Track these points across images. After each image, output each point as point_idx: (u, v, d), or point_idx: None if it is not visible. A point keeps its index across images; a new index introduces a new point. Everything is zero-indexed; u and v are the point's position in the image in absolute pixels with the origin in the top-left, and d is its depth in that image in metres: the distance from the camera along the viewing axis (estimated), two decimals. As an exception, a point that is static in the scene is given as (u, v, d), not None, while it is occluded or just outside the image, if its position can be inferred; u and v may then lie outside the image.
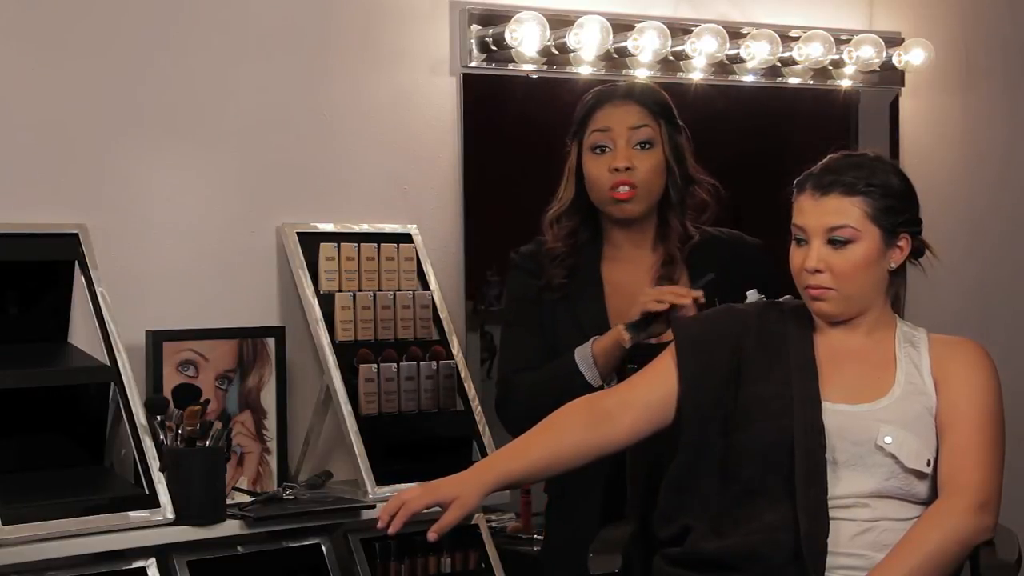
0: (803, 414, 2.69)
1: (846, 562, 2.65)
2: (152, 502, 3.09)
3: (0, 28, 3.24)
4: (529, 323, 3.27)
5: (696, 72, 4.13)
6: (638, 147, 3.22)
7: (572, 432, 2.77)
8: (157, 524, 3.08)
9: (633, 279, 3.23)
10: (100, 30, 3.36)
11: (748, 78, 4.25)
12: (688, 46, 4.06)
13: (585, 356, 3.11)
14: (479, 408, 3.56)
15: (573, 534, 3.16)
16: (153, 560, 3.12)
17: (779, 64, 4.28)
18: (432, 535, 2.65)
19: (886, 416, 2.69)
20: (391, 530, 2.65)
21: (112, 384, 3.16)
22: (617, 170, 3.18)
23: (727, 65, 4.20)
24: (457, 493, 2.66)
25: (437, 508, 2.69)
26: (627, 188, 3.18)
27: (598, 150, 3.22)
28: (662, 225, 3.26)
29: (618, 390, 2.84)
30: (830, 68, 4.39)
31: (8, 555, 2.90)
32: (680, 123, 3.31)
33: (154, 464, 3.11)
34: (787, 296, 2.89)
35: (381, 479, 3.37)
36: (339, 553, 3.42)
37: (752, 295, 2.98)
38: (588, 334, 3.16)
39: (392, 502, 2.67)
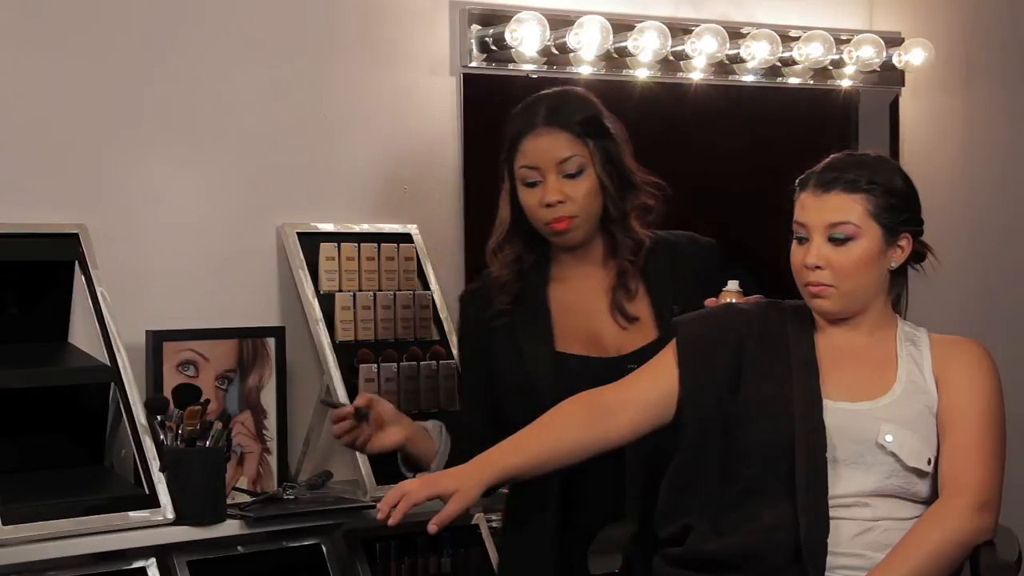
0: (804, 413, 2.69)
1: (846, 562, 2.65)
2: (152, 502, 3.09)
3: (1, 29, 3.24)
4: (475, 382, 3.13)
5: (696, 72, 4.14)
6: (568, 177, 3.01)
7: (572, 428, 2.77)
8: (157, 524, 3.09)
9: (582, 297, 3.11)
10: (100, 30, 3.36)
11: (748, 78, 4.26)
12: (688, 46, 4.06)
13: None
14: (479, 408, 3.56)
15: (527, 552, 3.07)
16: (153, 560, 3.12)
17: (779, 64, 4.28)
18: (432, 527, 2.66)
19: (887, 414, 2.69)
20: (391, 521, 2.65)
21: (112, 384, 3.16)
22: (550, 205, 3.00)
23: (727, 65, 4.20)
24: (457, 486, 2.67)
25: (437, 501, 2.69)
26: (564, 221, 3.01)
27: (528, 184, 3.03)
28: (609, 240, 3.08)
29: (619, 386, 2.84)
30: (830, 68, 4.39)
31: (8, 555, 2.90)
32: (610, 126, 3.08)
33: (154, 464, 3.12)
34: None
35: (381, 479, 3.37)
36: (339, 553, 3.42)
37: (732, 285, 3.00)
38: (527, 365, 3.03)
39: (392, 493, 2.67)
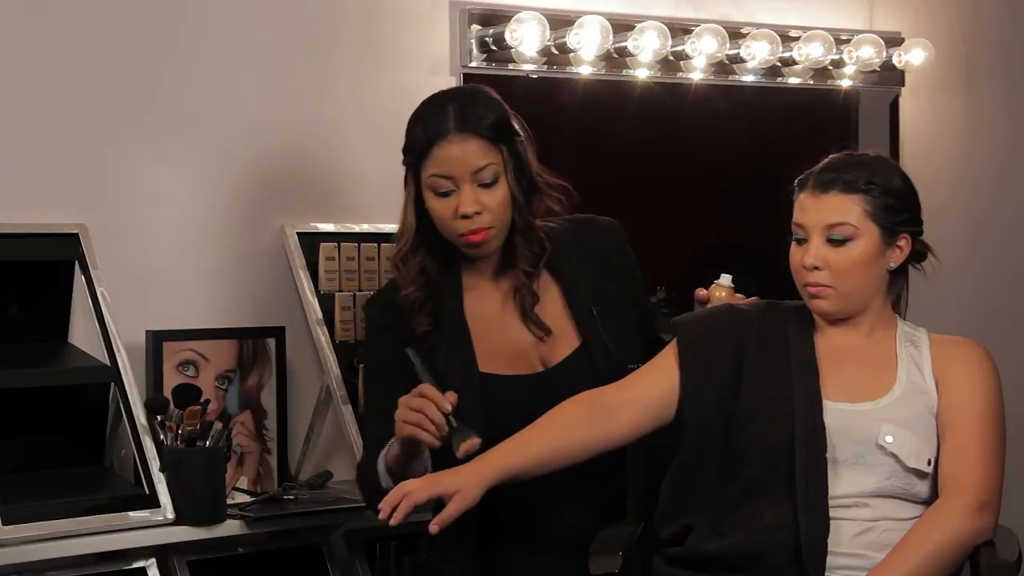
0: (804, 413, 2.69)
1: (846, 562, 2.65)
2: (152, 502, 3.09)
3: (1, 29, 3.24)
4: (387, 399, 2.81)
5: (696, 72, 4.14)
6: (483, 186, 2.84)
7: (573, 428, 2.77)
8: (157, 524, 3.09)
9: (497, 308, 2.95)
10: (100, 30, 3.36)
11: (748, 78, 4.25)
12: (688, 46, 4.06)
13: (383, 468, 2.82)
14: (479, 408, 3.55)
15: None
16: (153, 560, 3.12)
17: (779, 64, 4.28)
18: (434, 527, 2.64)
19: (887, 415, 2.69)
20: (393, 521, 2.63)
21: (112, 384, 3.16)
22: (467, 216, 2.83)
23: (727, 65, 4.20)
24: (459, 486, 2.65)
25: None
26: (480, 233, 2.85)
27: (441, 193, 2.85)
28: (508, 248, 2.92)
29: (620, 386, 2.83)
30: (830, 68, 4.39)
31: (8, 555, 2.90)
32: (517, 127, 2.91)
33: (154, 464, 3.12)
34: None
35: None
36: (339, 553, 3.42)
37: (725, 279, 2.99)
38: (454, 387, 2.77)
39: (394, 493, 2.65)
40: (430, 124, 2.87)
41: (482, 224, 2.85)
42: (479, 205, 2.84)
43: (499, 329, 2.94)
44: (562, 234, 2.97)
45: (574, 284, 2.97)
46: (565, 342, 2.94)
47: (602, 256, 3.00)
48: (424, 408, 2.69)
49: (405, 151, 2.91)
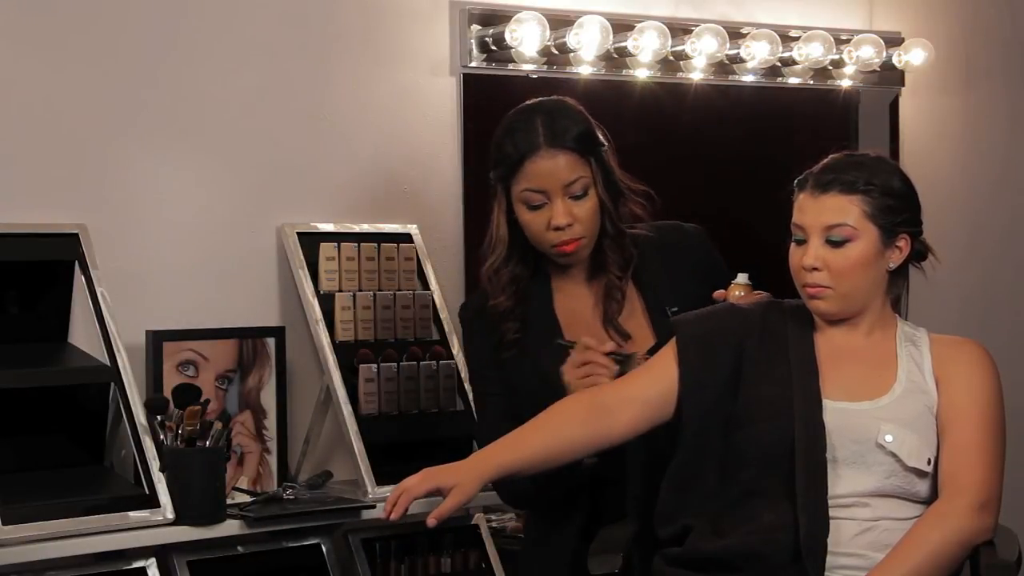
0: (804, 413, 2.69)
1: (846, 562, 2.65)
2: (152, 502, 3.09)
3: (1, 29, 3.24)
4: (499, 394, 3.05)
5: (696, 72, 4.14)
6: (574, 199, 2.96)
7: (570, 426, 2.78)
8: (157, 524, 3.09)
9: (585, 306, 3.07)
10: (101, 31, 3.36)
11: (748, 78, 4.26)
12: (688, 46, 4.06)
13: None
14: (479, 408, 3.56)
15: (547, 562, 3.06)
16: (153, 560, 3.12)
17: (779, 64, 4.28)
18: (431, 520, 2.68)
19: (887, 414, 2.69)
20: (393, 516, 2.69)
21: (112, 384, 3.16)
22: (559, 228, 2.95)
23: (727, 65, 4.20)
24: (456, 480, 2.69)
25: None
26: (572, 244, 2.97)
27: (533, 207, 2.97)
28: (597, 254, 3.03)
29: (617, 385, 2.84)
30: (830, 68, 4.39)
31: (8, 555, 2.90)
32: (602, 138, 3.02)
33: (154, 464, 3.12)
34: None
35: (381, 479, 3.37)
36: (339, 553, 3.42)
37: (742, 277, 2.99)
38: (553, 383, 2.92)
39: (393, 492, 2.72)
40: (520, 139, 2.98)
41: (574, 235, 2.97)
42: (571, 217, 2.96)
43: (586, 328, 3.02)
44: (646, 240, 3.07)
45: (654, 288, 3.06)
46: (643, 342, 3.02)
47: (683, 260, 3.10)
48: (589, 358, 2.88)
49: (494, 165, 3.02)
